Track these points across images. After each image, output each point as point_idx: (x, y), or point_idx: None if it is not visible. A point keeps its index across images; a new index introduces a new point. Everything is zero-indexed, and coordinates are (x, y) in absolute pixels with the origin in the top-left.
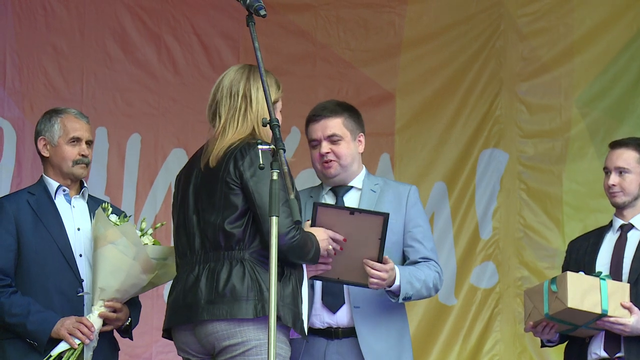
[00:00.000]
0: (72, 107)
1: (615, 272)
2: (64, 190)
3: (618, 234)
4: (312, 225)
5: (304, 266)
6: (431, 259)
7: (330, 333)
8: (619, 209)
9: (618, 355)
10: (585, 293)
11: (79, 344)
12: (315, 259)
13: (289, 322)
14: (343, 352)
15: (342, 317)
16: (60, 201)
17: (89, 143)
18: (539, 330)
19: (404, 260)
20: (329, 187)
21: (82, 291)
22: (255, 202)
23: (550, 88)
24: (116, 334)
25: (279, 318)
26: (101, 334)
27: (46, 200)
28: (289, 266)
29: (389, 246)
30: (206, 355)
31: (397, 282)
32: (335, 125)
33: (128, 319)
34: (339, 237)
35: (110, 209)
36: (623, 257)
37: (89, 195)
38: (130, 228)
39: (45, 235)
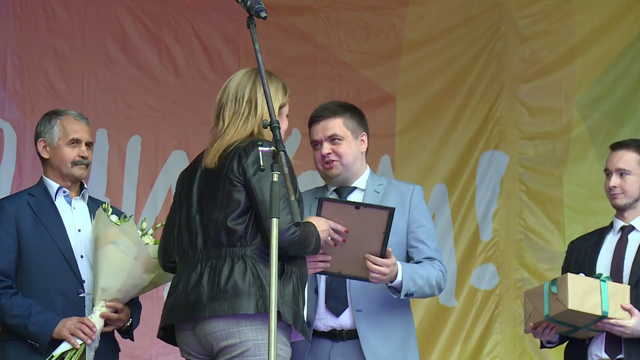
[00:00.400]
0: (73, 109)
1: (615, 274)
2: (65, 192)
3: (619, 235)
4: None
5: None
6: (435, 258)
7: (334, 335)
8: (620, 211)
9: (619, 357)
10: (585, 295)
11: (80, 344)
12: (316, 249)
13: (289, 319)
14: (347, 353)
15: (345, 321)
16: (60, 202)
17: (89, 145)
18: (539, 332)
19: (408, 261)
20: (333, 188)
21: (83, 292)
22: (257, 199)
23: (551, 90)
24: (117, 335)
25: (279, 316)
26: (102, 334)
27: (46, 202)
28: (291, 265)
29: (391, 246)
30: (207, 356)
31: (399, 278)
32: (335, 125)
33: (129, 320)
34: (341, 228)
35: (111, 210)
36: (624, 259)
37: (89, 196)
38: (131, 228)
39: (45, 237)
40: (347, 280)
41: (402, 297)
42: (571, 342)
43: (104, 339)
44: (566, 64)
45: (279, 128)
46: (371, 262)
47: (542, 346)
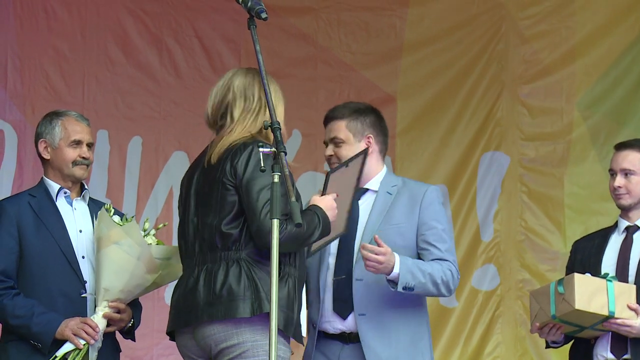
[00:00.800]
0: (73, 110)
1: (621, 274)
2: (65, 193)
3: (624, 235)
4: (324, 193)
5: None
6: (445, 259)
7: (344, 337)
8: (625, 211)
9: (625, 357)
10: (592, 295)
11: (84, 345)
12: (325, 232)
13: (280, 324)
14: (356, 356)
15: (351, 324)
16: (61, 203)
17: (90, 145)
18: (545, 332)
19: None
20: None
21: (85, 293)
22: (244, 201)
23: (552, 91)
24: (118, 336)
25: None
26: (104, 335)
27: (47, 203)
28: (288, 267)
29: (398, 250)
30: (206, 359)
31: (395, 270)
32: (337, 128)
33: (131, 320)
34: (334, 196)
35: (113, 210)
36: (629, 259)
37: (89, 197)
38: (134, 228)
39: (47, 237)
40: (353, 284)
41: (399, 289)
42: (576, 342)
43: (105, 340)
44: (567, 64)
45: (280, 129)
46: (367, 251)
47: (548, 346)
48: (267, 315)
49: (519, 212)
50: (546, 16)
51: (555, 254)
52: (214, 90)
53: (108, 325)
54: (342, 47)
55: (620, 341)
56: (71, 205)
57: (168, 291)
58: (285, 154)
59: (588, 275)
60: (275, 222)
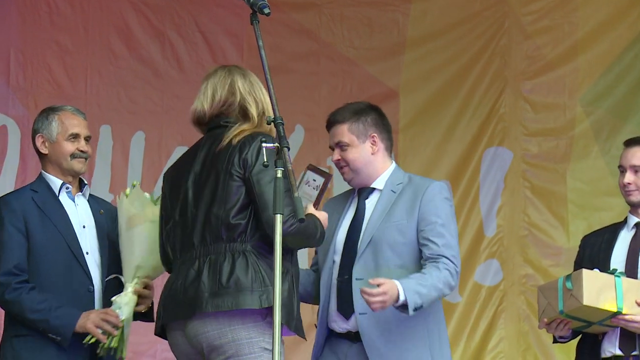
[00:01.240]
0: (76, 104)
1: (630, 270)
2: (67, 188)
3: (633, 231)
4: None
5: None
6: (442, 255)
7: (351, 336)
8: (634, 207)
9: (634, 353)
10: (600, 291)
11: (108, 337)
12: (321, 241)
13: (283, 319)
14: (364, 354)
15: (355, 323)
16: (64, 198)
17: (87, 139)
18: (553, 327)
19: (421, 259)
20: (357, 190)
21: (93, 289)
22: (256, 192)
23: (555, 86)
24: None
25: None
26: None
27: (50, 198)
28: (287, 263)
29: (399, 246)
30: (196, 355)
31: (402, 297)
32: (340, 132)
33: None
34: (325, 214)
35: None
36: (639, 255)
37: (89, 193)
38: None
39: (53, 232)
40: (353, 284)
41: (411, 313)
42: (583, 337)
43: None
44: (569, 60)
45: (283, 124)
46: (367, 295)
47: (555, 341)
48: (266, 310)
49: (522, 207)
50: (549, 12)
51: (558, 249)
52: (210, 88)
53: (137, 304)
54: (344, 43)
55: (629, 337)
56: (73, 201)
57: None
58: (289, 149)
59: (596, 271)
60: (279, 217)
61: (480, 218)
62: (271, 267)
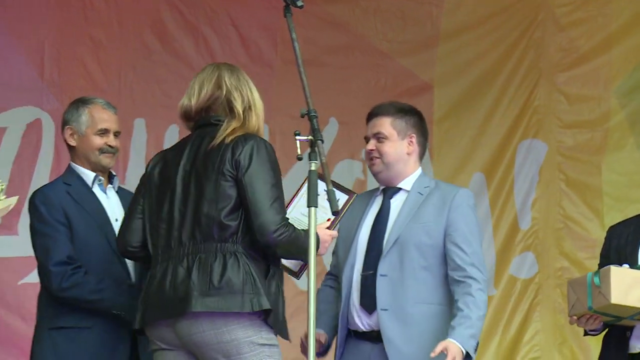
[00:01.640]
0: (110, 99)
1: None
2: (100, 180)
3: None
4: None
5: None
6: (471, 277)
7: (374, 337)
8: None
9: None
10: (629, 287)
11: None
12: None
13: (270, 320)
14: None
15: (377, 319)
16: (97, 191)
17: (117, 134)
18: (583, 322)
19: (446, 263)
20: (382, 188)
21: (132, 281)
22: (248, 197)
23: (589, 78)
24: None
25: (263, 314)
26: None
27: (85, 190)
28: (274, 265)
29: (426, 249)
30: (182, 349)
31: (463, 350)
32: (382, 124)
33: None
34: (335, 234)
35: None
36: None
37: (118, 185)
38: None
39: (91, 226)
40: (377, 279)
41: (475, 354)
42: (610, 330)
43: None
44: (604, 52)
45: (317, 117)
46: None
47: (586, 333)
48: (261, 311)
49: (557, 200)
50: (583, 4)
51: (594, 242)
52: (197, 83)
53: None
54: (378, 36)
55: None
56: (105, 194)
57: None
58: (322, 142)
59: (625, 267)
60: (313, 210)
61: (515, 211)
62: (260, 269)
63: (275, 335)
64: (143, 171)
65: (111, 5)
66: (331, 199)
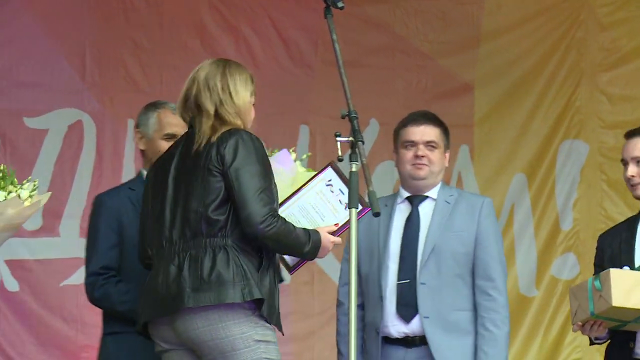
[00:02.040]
0: (152, 100)
1: None
2: None
3: None
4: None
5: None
6: (496, 288)
7: (407, 342)
8: None
9: None
10: (630, 289)
11: None
12: (310, 255)
13: (265, 312)
14: (422, 359)
15: (415, 327)
16: None
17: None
18: (587, 329)
19: (473, 271)
20: (406, 196)
21: None
22: (234, 189)
23: (631, 78)
24: None
25: (257, 306)
26: None
27: None
28: (268, 257)
29: (459, 256)
30: (184, 347)
31: None
32: (434, 133)
33: None
34: (339, 241)
35: None
36: None
37: None
38: None
39: None
40: (417, 287)
41: None
42: (613, 338)
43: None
44: None
45: (357, 118)
46: None
47: (592, 343)
48: (254, 303)
49: (598, 200)
50: (624, 3)
51: None
52: (187, 81)
53: None
54: (419, 36)
55: None
56: None
57: None
58: (363, 143)
59: (626, 269)
60: (354, 212)
61: (557, 211)
62: (252, 262)
63: (273, 330)
64: None
65: (152, 7)
66: (372, 200)
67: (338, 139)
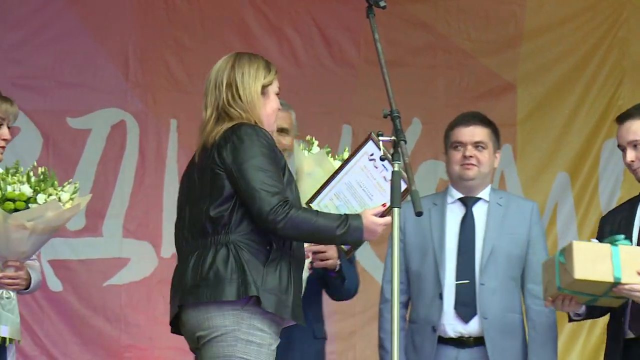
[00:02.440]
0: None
1: None
2: None
3: None
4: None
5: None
6: (546, 313)
7: (462, 342)
8: None
9: None
10: (594, 262)
11: None
12: (348, 240)
13: (270, 307)
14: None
15: (473, 327)
16: None
17: (284, 131)
18: (559, 304)
19: (522, 270)
20: (458, 197)
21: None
22: (240, 184)
23: None
24: None
25: (257, 303)
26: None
27: None
28: (280, 251)
29: (512, 259)
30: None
31: None
32: (483, 134)
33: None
34: (389, 221)
35: None
36: None
37: None
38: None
39: None
40: (477, 288)
41: None
42: (611, 317)
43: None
44: None
45: (399, 117)
46: None
47: (570, 320)
48: (248, 299)
49: None
50: None
51: None
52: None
53: None
54: (461, 35)
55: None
56: None
57: None
58: (405, 143)
59: (592, 241)
60: (397, 211)
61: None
62: (255, 257)
63: (271, 332)
64: None
65: (194, 7)
66: (415, 200)
67: (380, 138)
